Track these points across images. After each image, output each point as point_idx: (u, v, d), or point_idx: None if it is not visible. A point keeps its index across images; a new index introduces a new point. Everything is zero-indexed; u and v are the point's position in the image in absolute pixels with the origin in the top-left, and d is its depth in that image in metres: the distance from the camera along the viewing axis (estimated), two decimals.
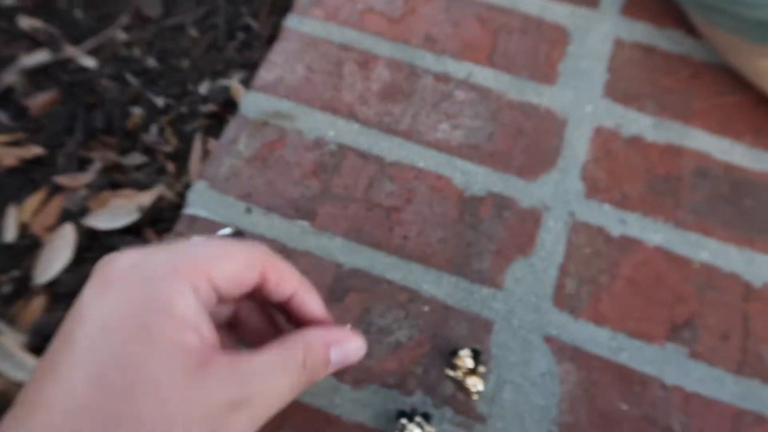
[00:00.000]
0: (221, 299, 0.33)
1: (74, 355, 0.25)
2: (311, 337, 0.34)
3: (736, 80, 0.65)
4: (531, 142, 0.62)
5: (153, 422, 0.24)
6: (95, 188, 0.65)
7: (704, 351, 0.53)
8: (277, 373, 0.31)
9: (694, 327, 0.54)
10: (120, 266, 0.28)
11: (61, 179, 0.65)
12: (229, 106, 0.71)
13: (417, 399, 0.50)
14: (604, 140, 0.62)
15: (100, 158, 0.67)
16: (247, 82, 0.71)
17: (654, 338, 0.53)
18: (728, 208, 0.59)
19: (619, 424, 0.50)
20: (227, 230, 0.29)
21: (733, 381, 0.52)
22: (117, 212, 0.64)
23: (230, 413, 0.27)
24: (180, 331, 0.27)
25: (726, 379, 0.52)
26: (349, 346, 0.37)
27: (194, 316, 0.28)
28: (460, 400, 0.51)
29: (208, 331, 0.29)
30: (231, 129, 0.63)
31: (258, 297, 0.36)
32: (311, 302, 0.37)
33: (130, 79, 0.73)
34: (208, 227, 0.57)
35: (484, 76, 0.66)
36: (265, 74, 0.66)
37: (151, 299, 0.27)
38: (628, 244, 0.57)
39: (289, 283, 0.35)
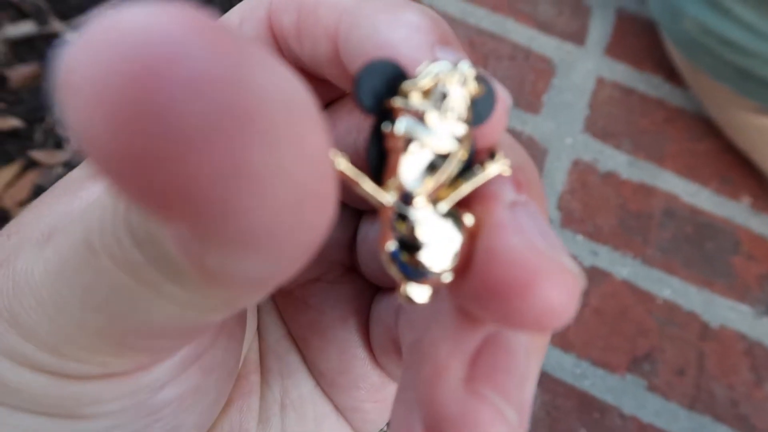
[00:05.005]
0: None
1: None
2: None
3: (706, 128, 0.69)
4: None
5: None
6: (72, 168, 0.64)
7: (661, 384, 0.55)
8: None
9: (654, 360, 0.56)
10: None
11: (38, 154, 0.63)
12: None
13: None
14: (581, 173, 0.65)
15: None
16: None
17: (616, 368, 0.55)
18: (691, 249, 0.62)
19: None
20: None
21: (686, 416, 0.54)
22: None
23: (43, 243, 0.14)
24: None
25: (680, 413, 0.54)
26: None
27: None
28: None
29: None
30: None
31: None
32: (374, 30, 0.11)
33: None
34: None
35: None
36: None
37: None
38: (597, 275, 0.59)
39: (321, 19, 0.13)
